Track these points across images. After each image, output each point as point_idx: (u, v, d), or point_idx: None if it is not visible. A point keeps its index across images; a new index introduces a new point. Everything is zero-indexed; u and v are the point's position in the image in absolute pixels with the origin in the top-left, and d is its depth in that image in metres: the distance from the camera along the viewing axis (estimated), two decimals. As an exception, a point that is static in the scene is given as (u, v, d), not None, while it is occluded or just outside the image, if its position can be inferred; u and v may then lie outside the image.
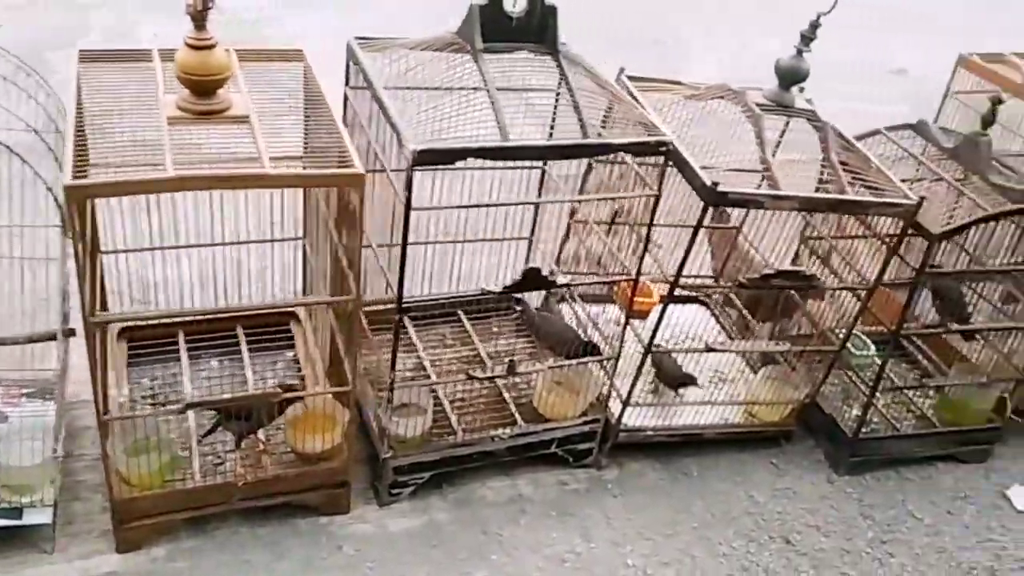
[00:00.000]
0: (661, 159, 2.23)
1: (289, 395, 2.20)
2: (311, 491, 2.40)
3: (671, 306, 2.69)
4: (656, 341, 2.54)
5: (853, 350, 2.86)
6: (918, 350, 3.24)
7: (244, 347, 2.75)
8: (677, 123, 2.58)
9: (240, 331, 2.79)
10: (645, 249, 2.39)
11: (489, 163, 2.16)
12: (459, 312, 3.03)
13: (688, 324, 3.08)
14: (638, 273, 2.43)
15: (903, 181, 2.80)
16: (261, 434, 2.42)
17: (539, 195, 2.87)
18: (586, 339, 2.57)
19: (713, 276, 3.23)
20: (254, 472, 2.34)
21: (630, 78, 2.68)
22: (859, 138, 2.82)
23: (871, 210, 2.42)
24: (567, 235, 2.96)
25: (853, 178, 2.57)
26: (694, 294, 3.18)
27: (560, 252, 2.99)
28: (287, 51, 2.42)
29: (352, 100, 2.44)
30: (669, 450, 2.84)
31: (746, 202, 2.29)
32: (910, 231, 2.46)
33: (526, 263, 3.08)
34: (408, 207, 2.03)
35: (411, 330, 2.94)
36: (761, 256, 2.92)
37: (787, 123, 2.82)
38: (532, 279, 2.24)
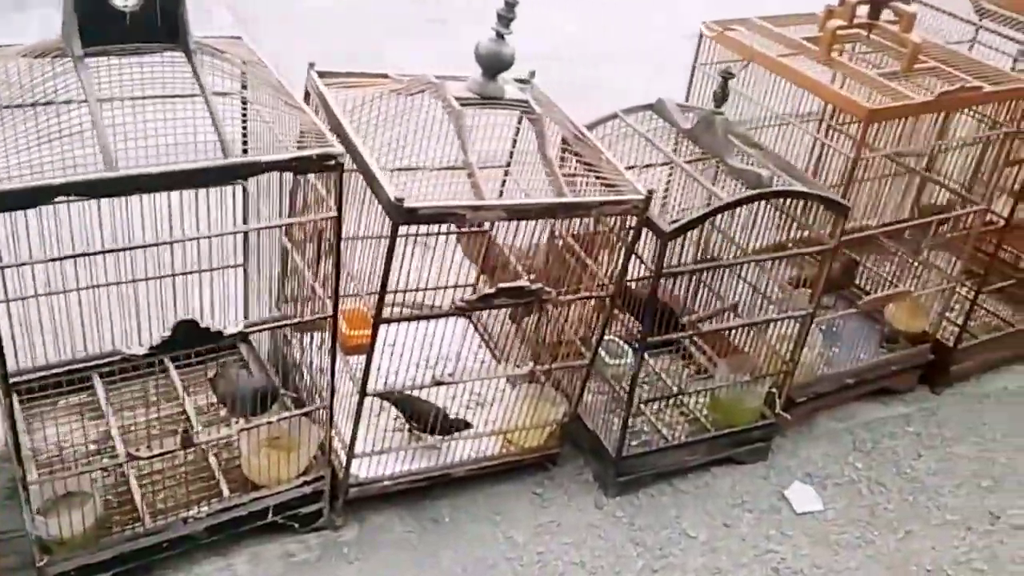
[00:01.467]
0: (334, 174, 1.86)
1: None
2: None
3: (430, 324, 2.34)
4: (401, 368, 2.18)
5: (607, 359, 2.59)
6: (693, 344, 3.02)
7: None
8: (369, 124, 2.20)
9: None
10: (336, 277, 2.00)
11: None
12: (166, 361, 2.58)
13: (447, 343, 2.74)
14: (335, 307, 2.05)
15: (646, 167, 2.56)
16: None
17: (244, 216, 2.45)
18: (274, 389, 2.17)
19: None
20: None
21: (320, 74, 2.28)
22: (592, 125, 2.54)
23: (593, 211, 2.13)
24: (283, 259, 2.55)
25: (588, 171, 2.29)
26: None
27: (282, 280, 2.58)
28: None
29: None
30: (420, 495, 2.49)
31: (442, 216, 1.94)
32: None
33: (245, 292, 2.67)
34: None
35: (100, 391, 2.47)
36: (514, 263, 2.62)
37: (521, 118, 2.50)
38: (186, 335, 1.82)
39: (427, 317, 2.19)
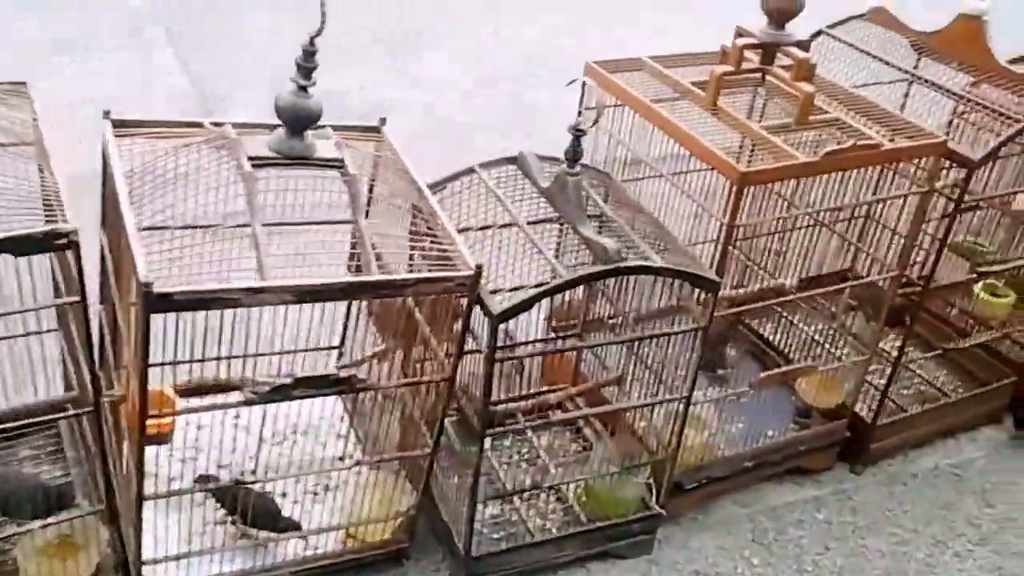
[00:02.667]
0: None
1: None
2: None
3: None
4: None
5: (459, 444, 2.30)
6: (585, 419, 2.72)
7: None
8: (161, 183, 1.92)
9: None
10: (91, 365, 1.73)
11: None
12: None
13: (307, 423, 2.45)
14: (96, 396, 1.77)
15: (505, 227, 2.28)
16: None
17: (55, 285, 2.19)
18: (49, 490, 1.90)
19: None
20: None
21: (117, 123, 2.02)
22: (444, 181, 2.26)
23: (407, 290, 1.84)
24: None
25: (430, 239, 2.01)
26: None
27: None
28: None
29: None
30: (245, 595, 2.21)
31: (205, 302, 1.66)
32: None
33: (63, 361, 2.39)
34: None
35: None
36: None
37: (373, 178, 2.21)
38: None
39: (208, 409, 1.90)
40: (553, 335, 2.72)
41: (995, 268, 2.72)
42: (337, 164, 1.93)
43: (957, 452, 2.94)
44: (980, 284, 2.90)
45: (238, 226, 1.84)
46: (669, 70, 2.46)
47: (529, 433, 2.65)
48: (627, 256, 1.99)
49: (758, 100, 2.61)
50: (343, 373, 1.88)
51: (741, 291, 2.60)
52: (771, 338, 2.96)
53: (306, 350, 2.44)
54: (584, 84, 2.50)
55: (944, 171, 2.46)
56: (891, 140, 2.24)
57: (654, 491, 2.38)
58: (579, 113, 2.55)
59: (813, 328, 2.84)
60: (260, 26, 5.12)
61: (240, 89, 4.48)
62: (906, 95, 2.89)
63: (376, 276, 1.79)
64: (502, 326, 1.93)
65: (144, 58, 4.82)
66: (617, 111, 2.48)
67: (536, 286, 2.21)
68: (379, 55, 4.98)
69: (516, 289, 2.25)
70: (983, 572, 2.53)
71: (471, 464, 2.22)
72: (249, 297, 1.68)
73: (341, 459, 2.24)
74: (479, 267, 1.86)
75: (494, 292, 2.22)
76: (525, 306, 1.90)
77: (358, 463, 2.11)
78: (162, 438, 2.11)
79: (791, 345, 2.91)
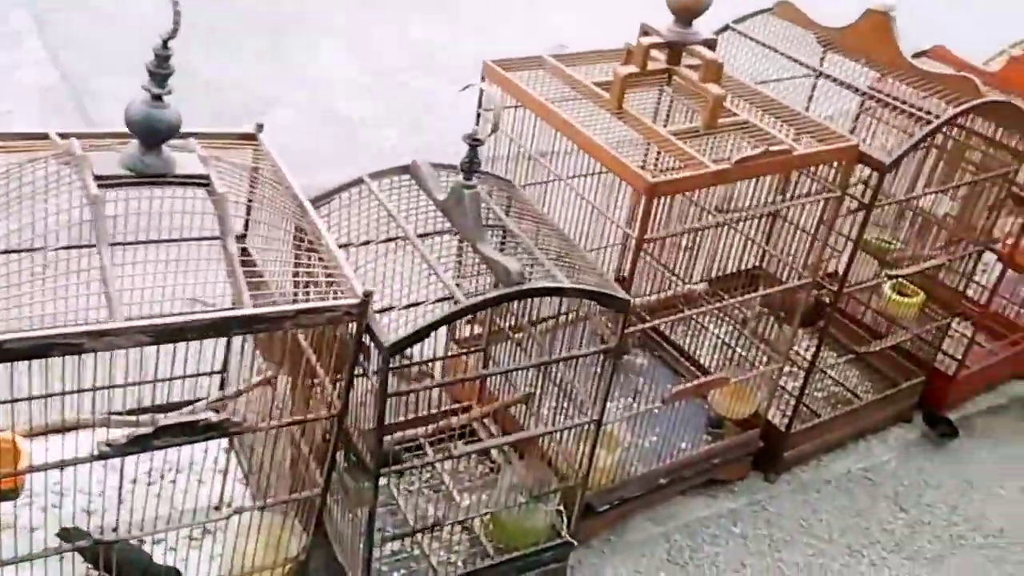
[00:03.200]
0: None
1: None
2: None
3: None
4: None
5: (349, 480, 2.11)
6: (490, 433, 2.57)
7: None
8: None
9: None
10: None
11: None
12: None
13: (183, 458, 2.22)
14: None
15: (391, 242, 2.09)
16: None
17: None
18: None
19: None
20: None
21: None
22: (331, 193, 2.06)
23: (287, 323, 1.64)
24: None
25: (318, 263, 1.81)
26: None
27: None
28: None
29: None
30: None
31: (42, 348, 1.43)
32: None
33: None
34: None
35: None
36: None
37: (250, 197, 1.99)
38: None
39: (55, 466, 1.66)
40: (456, 348, 2.56)
41: (907, 271, 2.66)
42: (202, 181, 1.71)
43: (868, 455, 2.90)
44: (889, 284, 2.86)
45: (84, 246, 1.62)
46: (571, 69, 2.31)
47: (431, 453, 2.48)
48: (530, 276, 1.84)
49: (664, 99, 2.50)
50: (214, 417, 1.67)
51: (651, 298, 2.48)
52: (680, 341, 2.87)
53: (173, 378, 2.21)
54: (481, 90, 2.33)
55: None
56: (800, 141, 2.14)
57: (565, 517, 2.24)
58: (477, 118, 2.39)
59: (723, 330, 2.75)
60: (142, 13, 4.75)
61: (117, 82, 4.14)
62: (813, 87, 2.82)
63: (248, 310, 1.59)
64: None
65: (9, 47, 4.43)
66: (519, 108, 2.32)
67: (435, 301, 2.06)
68: (263, 45, 4.70)
69: (412, 305, 2.10)
70: (898, 582, 2.49)
71: (366, 502, 2.04)
72: (94, 341, 1.46)
73: (217, 508, 2.02)
74: (368, 294, 1.68)
75: (387, 310, 2.05)
76: (419, 336, 1.72)
77: (238, 511, 1.90)
78: (9, 493, 1.86)
79: (701, 348, 2.83)
